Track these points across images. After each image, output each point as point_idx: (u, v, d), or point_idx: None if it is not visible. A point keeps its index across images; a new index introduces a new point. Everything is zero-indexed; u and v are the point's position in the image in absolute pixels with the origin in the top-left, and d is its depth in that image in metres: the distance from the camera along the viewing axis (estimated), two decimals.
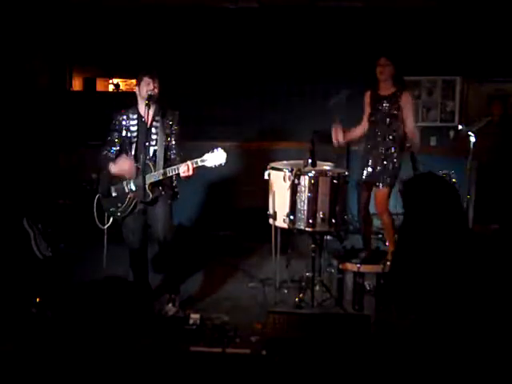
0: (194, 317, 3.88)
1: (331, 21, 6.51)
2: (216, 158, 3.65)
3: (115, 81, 7.16)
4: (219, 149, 3.65)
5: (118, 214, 4.04)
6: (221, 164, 3.67)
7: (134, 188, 3.97)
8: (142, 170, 3.83)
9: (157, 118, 4.00)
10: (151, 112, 3.98)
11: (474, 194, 5.44)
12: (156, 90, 3.93)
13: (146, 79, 3.94)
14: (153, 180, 3.86)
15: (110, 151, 4.04)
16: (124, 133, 4.01)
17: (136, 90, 4.05)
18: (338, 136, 4.58)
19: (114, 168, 4.00)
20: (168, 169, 3.82)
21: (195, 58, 6.71)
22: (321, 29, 6.54)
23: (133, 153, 3.99)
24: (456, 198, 2.66)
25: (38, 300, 3.93)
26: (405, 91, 4.53)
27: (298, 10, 6.49)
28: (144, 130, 3.96)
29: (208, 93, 6.71)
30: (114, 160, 4.02)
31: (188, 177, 3.74)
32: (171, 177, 3.93)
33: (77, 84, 7.12)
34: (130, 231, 4.10)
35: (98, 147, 4.14)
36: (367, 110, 4.67)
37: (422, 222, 2.59)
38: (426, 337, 2.52)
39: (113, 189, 4.07)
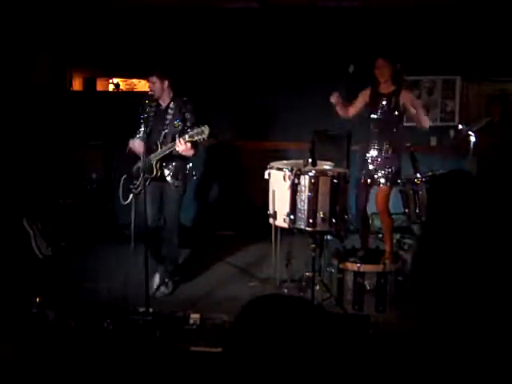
0: (194, 317, 3.88)
1: (331, 21, 6.51)
2: (200, 132, 4.08)
3: (115, 81, 7.16)
4: (206, 126, 4.08)
5: (135, 189, 4.50)
6: (204, 138, 4.08)
7: (142, 166, 4.28)
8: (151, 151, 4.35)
9: (171, 106, 4.52)
10: (167, 100, 4.52)
11: None
12: (156, 88, 4.27)
13: (149, 79, 4.44)
14: (157, 157, 4.38)
15: (136, 135, 4.56)
16: (147, 117, 4.52)
17: None
18: (335, 98, 4.54)
19: (131, 144, 4.56)
20: (164, 147, 4.34)
21: (195, 58, 6.70)
22: (321, 29, 6.53)
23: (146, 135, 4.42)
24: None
25: (38, 299, 3.92)
26: (404, 89, 4.52)
27: (298, 10, 6.49)
28: (160, 116, 4.51)
29: (208, 93, 6.70)
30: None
31: (185, 150, 4.24)
32: (185, 161, 4.54)
33: (77, 84, 7.12)
34: (142, 205, 4.10)
35: (98, 147, 4.15)
36: (360, 103, 4.64)
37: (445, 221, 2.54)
38: (429, 335, 2.50)
39: (135, 168, 4.62)
